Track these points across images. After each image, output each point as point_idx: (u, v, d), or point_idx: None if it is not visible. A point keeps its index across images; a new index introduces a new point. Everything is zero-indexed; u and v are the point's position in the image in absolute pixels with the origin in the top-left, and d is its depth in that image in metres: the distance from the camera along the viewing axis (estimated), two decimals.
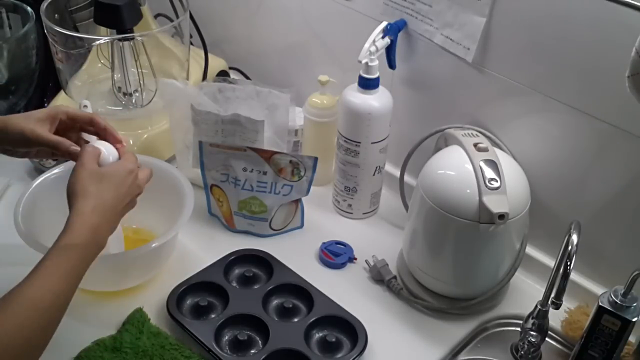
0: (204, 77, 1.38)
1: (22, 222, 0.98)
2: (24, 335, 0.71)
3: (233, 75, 1.48)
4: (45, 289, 0.74)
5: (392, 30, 1.09)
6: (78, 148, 0.88)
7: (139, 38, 1.18)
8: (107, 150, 0.90)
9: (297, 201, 1.16)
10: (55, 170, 1.09)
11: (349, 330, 0.98)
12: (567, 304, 1.00)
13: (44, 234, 0.94)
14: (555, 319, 1.00)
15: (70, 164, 0.89)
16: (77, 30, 1.31)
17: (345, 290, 1.06)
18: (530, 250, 1.06)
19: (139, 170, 0.90)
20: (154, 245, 0.98)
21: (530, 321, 0.96)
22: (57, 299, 0.75)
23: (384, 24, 1.09)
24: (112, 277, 1.03)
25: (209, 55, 1.39)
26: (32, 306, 0.72)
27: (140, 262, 1.02)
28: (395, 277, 1.08)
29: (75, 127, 0.94)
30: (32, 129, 0.88)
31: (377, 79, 1.09)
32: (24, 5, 1.29)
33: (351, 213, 1.21)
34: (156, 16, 1.38)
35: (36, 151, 0.93)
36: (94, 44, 1.21)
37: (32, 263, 0.76)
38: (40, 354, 0.74)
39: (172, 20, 1.33)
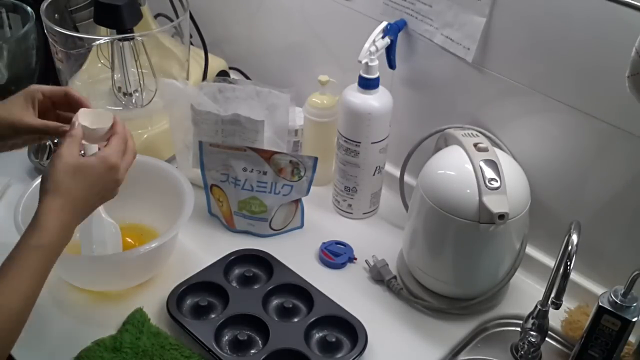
0: (204, 77, 1.38)
1: (22, 222, 0.98)
2: None
3: (233, 75, 1.48)
4: (16, 292, 0.72)
5: (392, 30, 1.09)
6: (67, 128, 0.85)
7: (139, 38, 1.18)
8: (92, 127, 0.85)
9: (297, 201, 1.16)
10: None
11: (349, 330, 0.98)
12: (567, 304, 1.00)
13: None
14: (555, 319, 1.00)
15: None
16: (77, 30, 1.31)
17: (345, 290, 1.06)
18: (530, 250, 1.06)
19: (122, 159, 0.85)
20: (154, 245, 0.98)
21: (530, 321, 0.96)
22: (26, 300, 0.73)
23: (384, 24, 1.09)
24: (112, 277, 1.03)
25: (209, 55, 1.39)
26: (2, 310, 0.71)
27: (140, 262, 1.02)
28: (395, 277, 1.07)
29: (53, 106, 0.91)
30: (19, 119, 0.86)
31: (377, 79, 1.09)
32: (24, 5, 1.29)
33: (351, 213, 1.21)
34: (156, 16, 1.38)
35: (23, 140, 0.91)
36: (94, 44, 1.21)
37: None
38: (6, 356, 0.72)
39: (172, 20, 1.33)
